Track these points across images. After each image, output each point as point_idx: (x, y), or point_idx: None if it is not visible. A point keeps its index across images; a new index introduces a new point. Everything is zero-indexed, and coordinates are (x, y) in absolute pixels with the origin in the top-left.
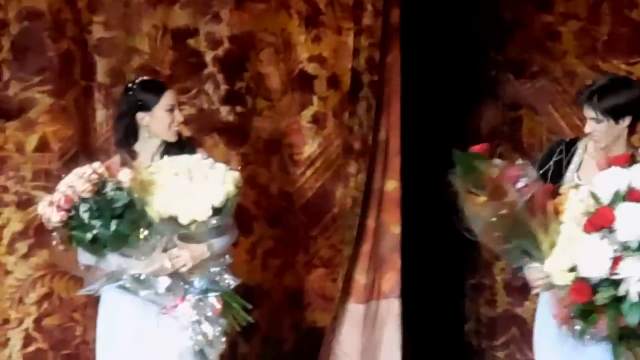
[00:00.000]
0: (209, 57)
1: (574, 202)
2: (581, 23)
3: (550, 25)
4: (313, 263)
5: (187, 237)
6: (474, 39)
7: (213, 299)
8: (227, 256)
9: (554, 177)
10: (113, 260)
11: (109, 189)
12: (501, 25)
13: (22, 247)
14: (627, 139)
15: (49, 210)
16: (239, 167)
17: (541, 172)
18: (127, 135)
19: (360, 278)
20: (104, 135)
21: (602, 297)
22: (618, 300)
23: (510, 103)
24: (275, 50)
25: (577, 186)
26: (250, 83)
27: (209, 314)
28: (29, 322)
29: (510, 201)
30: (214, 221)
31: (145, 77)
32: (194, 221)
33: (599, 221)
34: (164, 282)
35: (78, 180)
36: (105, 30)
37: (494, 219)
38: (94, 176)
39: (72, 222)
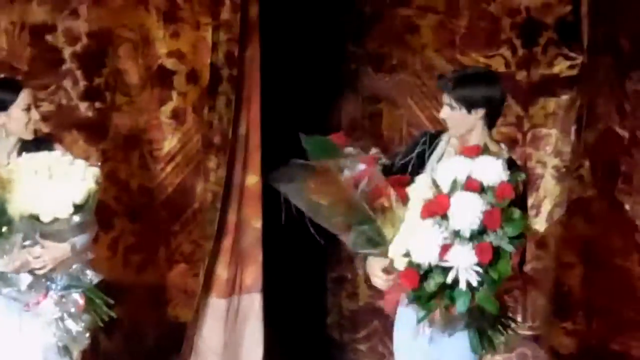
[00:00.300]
0: (67, 53)
1: (417, 189)
2: (439, 16)
3: (409, 18)
4: (174, 259)
5: (49, 234)
6: (333, 32)
7: (76, 295)
8: (88, 252)
9: (415, 168)
10: None
11: None
12: (360, 19)
13: None
14: (487, 132)
15: None
16: (99, 163)
17: (403, 162)
18: None
19: (222, 273)
20: None
21: (431, 283)
22: (450, 288)
23: (370, 96)
24: (134, 46)
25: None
26: (109, 79)
27: (72, 310)
28: None
29: (344, 187)
30: (76, 218)
31: (0, 76)
32: (56, 219)
33: (434, 207)
34: (25, 279)
35: None
36: None
37: (326, 203)
38: None
39: None
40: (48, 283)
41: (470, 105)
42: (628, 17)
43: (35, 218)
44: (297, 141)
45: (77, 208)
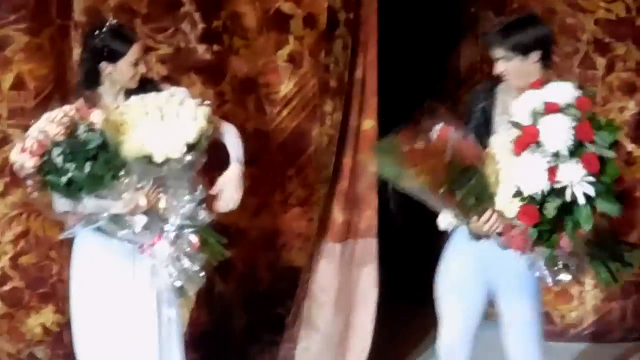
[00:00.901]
0: None
1: (500, 138)
2: None
3: None
4: (289, 202)
5: (162, 178)
6: None
7: (191, 234)
8: (199, 190)
9: (482, 125)
10: (89, 203)
11: (81, 131)
12: None
13: None
14: (543, 74)
15: (22, 157)
16: (208, 102)
17: (472, 125)
18: (88, 79)
19: (337, 217)
20: None
21: (550, 208)
22: (568, 212)
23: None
24: None
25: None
26: (226, 22)
27: (187, 249)
28: (5, 261)
29: (435, 151)
30: (188, 157)
31: (114, 23)
32: (168, 159)
33: (525, 139)
34: (140, 220)
35: (50, 125)
36: None
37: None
38: (66, 119)
39: (45, 167)
40: (162, 224)
41: (525, 50)
42: None
43: (148, 159)
44: (413, 85)
45: (190, 147)
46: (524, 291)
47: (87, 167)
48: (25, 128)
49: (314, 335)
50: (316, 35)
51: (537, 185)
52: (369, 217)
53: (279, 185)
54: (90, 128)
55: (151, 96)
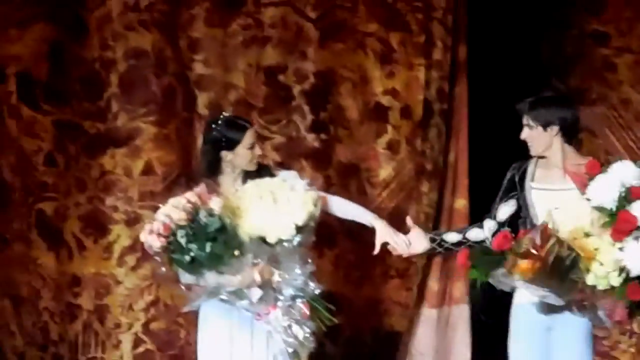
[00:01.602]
0: (296, 90)
1: (577, 220)
2: (635, 56)
3: (607, 57)
4: (389, 274)
5: (276, 253)
6: (539, 70)
7: (301, 304)
8: (309, 264)
9: (506, 193)
10: (210, 278)
11: (202, 215)
12: (564, 58)
13: (130, 260)
14: (569, 147)
15: (150, 238)
16: (315, 188)
17: (502, 193)
18: (210, 168)
19: (433, 285)
20: None
21: None
22: None
23: None
24: (354, 85)
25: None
26: (332, 113)
27: (298, 317)
28: (138, 326)
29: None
30: (297, 238)
31: (228, 115)
32: (280, 240)
33: (625, 226)
34: (256, 293)
35: (174, 210)
36: (205, 67)
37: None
38: (188, 205)
39: (171, 247)
40: (276, 295)
41: (545, 123)
42: None
43: (262, 240)
44: (502, 169)
45: (299, 229)
46: (580, 343)
47: (208, 247)
48: (154, 209)
49: None
50: (412, 125)
51: None
52: (461, 285)
53: (380, 259)
54: (210, 213)
55: (265, 181)
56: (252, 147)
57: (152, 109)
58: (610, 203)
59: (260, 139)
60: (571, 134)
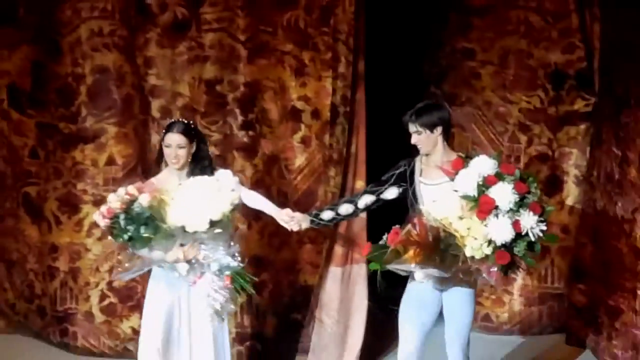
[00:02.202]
0: (230, 98)
1: (443, 205)
2: (495, 67)
3: (474, 68)
4: (303, 240)
5: (197, 239)
6: (420, 79)
7: (223, 277)
8: (233, 245)
9: (397, 181)
10: (144, 253)
11: (135, 206)
12: (439, 69)
13: (97, 232)
14: (445, 145)
15: (98, 217)
16: (243, 186)
17: (385, 179)
18: (157, 161)
19: (338, 249)
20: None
21: (521, 247)
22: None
23: None
24: (274, 92)
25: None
26: (258, 115)
27: (220, 286)
28: (103, 284)
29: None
30: (216, 230)
31: (176, 120)
32: (196, 231)
33: (486, 207)
34: (183, 267)
35: (115, 200)
36: (157, 79)
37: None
38: (126, 197)
39: (115, 226)
40: (203, 268)
41: (431, 126)
42: (622, 72)
43: (183, 228)
44: (392, 158)
45: (214, 223)
46: (463, 307)
47: (142, 230)
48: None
49: (322, 334)
50: (320, 124)
51: (507, 235)
52: (359, 250)
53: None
54: (147, 206)
55: (200, 179)
56: (168, 147)
57: (113, 113)
58: (472, 191)
59: (189, 139)
60: (448, 132)
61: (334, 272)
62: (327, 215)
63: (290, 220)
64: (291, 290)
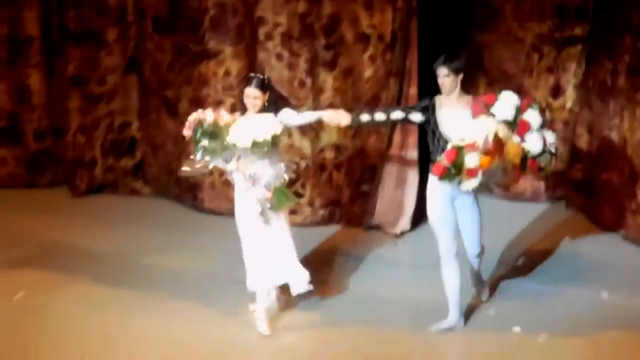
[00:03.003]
0: (316, 26)
1: (475, 129)
2: (514, 3)
3: (499, 2)
4: (370, 132)
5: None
6: (457, 13)
7: (266, 189)
8: (279, 164)
9: (422, 110)
10: (214, 161)
11: (204, 125)
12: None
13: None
14: (460, 88)
15: (185, 129)
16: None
17: (413, 106)
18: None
19: (396, 138)
20: None
21: (545, 159)
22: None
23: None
24: (349, 22)
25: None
26: (337, 39)
27: (267, 194)
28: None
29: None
30: (263, 150)
31: (251, 74)
32: (244, 147)
33: (524, 127)
34: (237, 175)
35: (193, 117)
36: (262, 12)
37: None
38: (196, 117)
39: (194, 137)
40: (255, 179)
41: (457, 71)
42: (610, 5)
43: (237, 146)
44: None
45: (256, 144)
46: (472, 203)
47: (210, 142)
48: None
49: (384, 200)
50: (384, 45)
51: (540, 147)
52: (413, 139)
53: (375, 129)
54: (211, 125)
55: (256, 115)
56: (247, 97)
57: (229, 37)
58: (510, 116)
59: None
60: (465, 77)
61: (393, 156)
62: (365, 117)
63: (336, 115)
64: (361, 168)
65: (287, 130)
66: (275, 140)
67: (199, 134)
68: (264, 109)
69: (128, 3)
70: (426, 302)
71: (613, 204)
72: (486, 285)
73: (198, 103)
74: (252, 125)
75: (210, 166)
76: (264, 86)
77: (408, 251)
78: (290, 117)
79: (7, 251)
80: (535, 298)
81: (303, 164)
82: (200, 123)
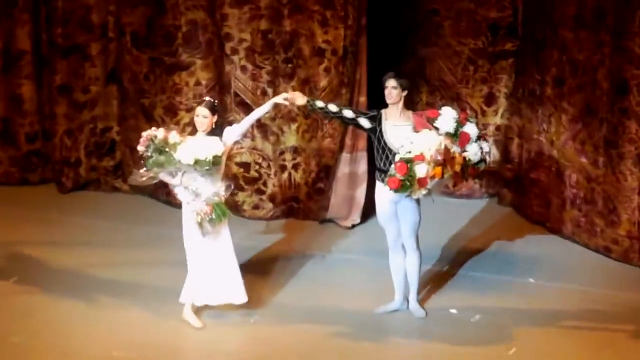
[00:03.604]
0: (277, 42)
1: (420, 141)
2: (452, 21)
3: (439, 21)
4: (325, 136)
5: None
6: (403, 30)
7: (205, 204)
8: (220, 187)
9: (370, 119)
10: (160, 174)
11: (156, 141)
12: (415, 23)
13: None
14: (403, 103)
15: (139, 145)
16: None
17: (364, 112)
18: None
19: (348, 142)
20: None
21: (480, 165)
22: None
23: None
24: (306, 37)
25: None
26: (295, 53)
27: (205, 210)
28: None
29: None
30: (205, 168)
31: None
32: (187, 164)
33: (465, 138)
34: (179, 190)
35: (146, 134)
36: (229, 29)
37: None
38: (149, 134)
39: (146, 152)
40: (196, 194)
41: (402, 86)
42: (538, 23)
43: (181, 162)
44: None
45: (197, 162)
46: (411, 208)
47: (159, 157)
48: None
49: (337, 197)
50: (337, 59)
51: (478, 156)
52: (363, 141)
53: (321, 128)
54: (161, 141)
55: (200, 137)
56: (197, 116)
57: (200, 51)
58: (452, 129)
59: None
60: (407, 96)
61: (345, 157)
62: (319, 104)
63: (292, 95)
64: (317, 168)
65: (251, 134)
66: (216, 160)
67: (150, 149)
68: (212, 132)
69: (109, 20)
70: (372, 286)
71: (540, 199)
72: (407, 295)
73: (172, 110)
74: (197, 145)
75: (157, 179)
76: (214, 108)
77: (358, 242)
78: (231, 131)
79: (2, 241)
80: (471, 284)
81: (265, 165)
82: (152, 140)
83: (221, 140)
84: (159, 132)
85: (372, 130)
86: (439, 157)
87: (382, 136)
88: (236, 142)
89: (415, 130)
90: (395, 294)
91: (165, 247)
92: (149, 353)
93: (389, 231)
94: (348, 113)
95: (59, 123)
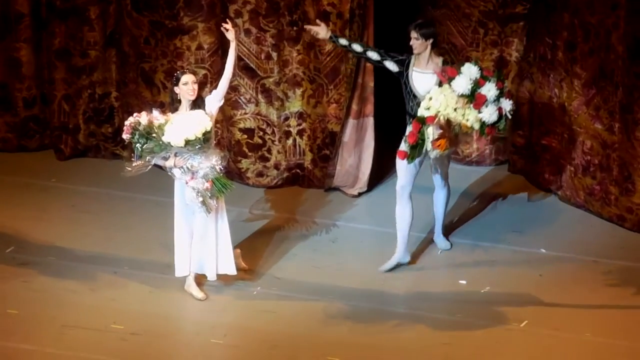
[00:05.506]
0: (282, 4)
1: (439, 94)
2: None
3: None
4: (330, 101)
5: (182, 152)
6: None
7: (206, 179)
8: (215, 159)
9: (398, 62)
10: (152, 159)
11: (140, 127)
12: None
13: None
14: (431, 51)
15: (124, 132)
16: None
17: (392, 54)
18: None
19: (354, 107)
20: None
21: (501, 125)
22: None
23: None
24: (315, 1)
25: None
26: (300, 15)
27: (203, 187)
28: None
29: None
30: (196, 146)
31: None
32: (178, 146)
33: (480, 101)
34: (176, 171)
35: (129, 120)
36: None
37: None
38: (132, 121)
39: (132, 139)
40: (193, 172)
41: (425, 36)
42: None
43: (171, 144)
44: (390, 47)
45: (189, 142)
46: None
47: (147, 142)
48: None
49: (344, 162)
50: (342, 22)
51: (495, 117)
52: (370, 106)
53: (326, 94)
54: (146, 127)
55: (186, 114)
56: (186, 84)
57: (202, 13)
58: (468, 91)
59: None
60: (435, 43)
61: (352, 122)
62: (342, 41)
63: (316, 27)
64: (322, 134)
65: (255, 99)
66: (206, 136)
67: (136, 137)
68: (194, 104)
69: None
70: (378, 256)
71: (552, 166)
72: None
73: (173, 74)
74: (184, 123)
75: (151, 165)
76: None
77: (364, 211)
78: (213, 99)
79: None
80: (480, 255)
81: (269, 131)
82: (136, 126)
83: (205, 112)
84: (142, 117)
85: (399, 74)
86: (441, 129)
87: (408, 82)
88: (220, 108)
89: (440, 82)
90: (397, 246)
91: (167, 216)
92: (149, 325)
93: (400, 177)
94: (373, 55)
95: (57, 88)
